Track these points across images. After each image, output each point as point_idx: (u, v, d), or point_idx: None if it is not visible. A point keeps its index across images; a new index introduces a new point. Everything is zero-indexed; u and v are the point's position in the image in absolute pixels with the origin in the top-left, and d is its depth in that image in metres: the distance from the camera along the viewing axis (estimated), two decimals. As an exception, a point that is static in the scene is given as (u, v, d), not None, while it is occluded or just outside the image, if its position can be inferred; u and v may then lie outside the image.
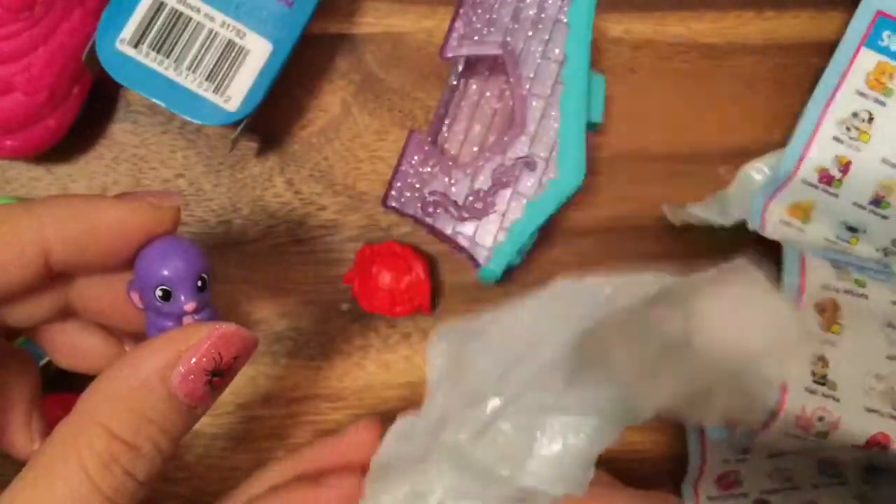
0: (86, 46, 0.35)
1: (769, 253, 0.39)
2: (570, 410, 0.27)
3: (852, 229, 0.39)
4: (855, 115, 0.39)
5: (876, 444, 0.34)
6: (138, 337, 0.29)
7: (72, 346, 0.29)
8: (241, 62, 0.35)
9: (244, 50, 0.35)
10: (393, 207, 0.36)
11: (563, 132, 0.35)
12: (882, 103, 0.39)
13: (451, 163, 0.36)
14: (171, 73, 0.35)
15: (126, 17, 0.34)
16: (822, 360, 0.35)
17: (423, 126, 0.40)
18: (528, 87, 0.36)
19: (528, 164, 0.36)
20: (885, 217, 0.39)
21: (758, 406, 0.34)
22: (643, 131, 0.41)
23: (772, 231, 0.39)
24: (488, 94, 0.38)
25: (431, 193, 0.36)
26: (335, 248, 0.40)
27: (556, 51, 0.36)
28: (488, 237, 0.36)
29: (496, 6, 0.36)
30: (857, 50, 0.40)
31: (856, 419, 0.34)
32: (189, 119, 0.35)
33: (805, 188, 0.40)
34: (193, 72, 0.35)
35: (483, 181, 0.36)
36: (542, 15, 0.36)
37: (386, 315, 0.38)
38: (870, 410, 0.34)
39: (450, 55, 0.36)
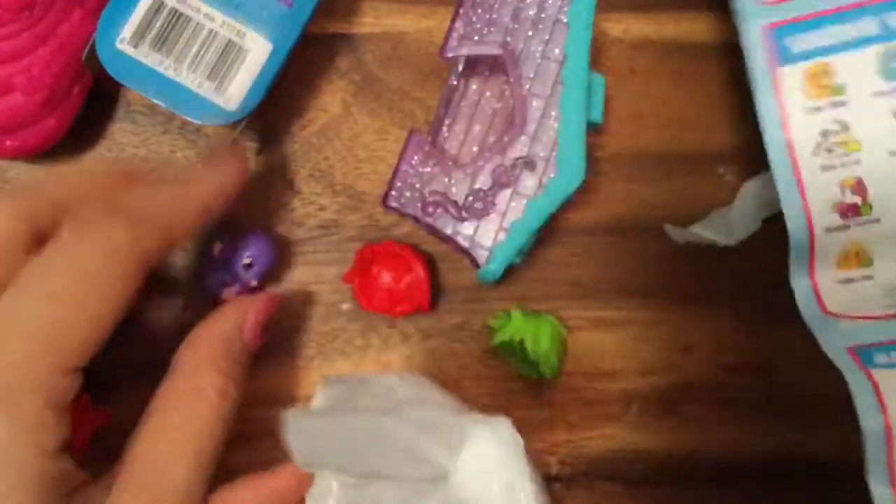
0: (86, 46, 0.35)
1: (770, 253, 0.39)
2: None
3: None
4: (825, 133, 0.35)
5: None
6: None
7: None
8: (241, 62, 0.35)
9: (244, 50, 0.35)
10: (393, 207, 0.36)
11: (563, 132, 0.35)
12: (841, 103, 0.35)
13: (451, 163, 0.36)
14: (171, 73, 0.35)
15: (126, 17, 0.34)
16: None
17: (423, 126, 0.40)
18: (528, 87, 0.36)
19: (528, 164, 0.36)
20: None
21: None
22: (643, 131, 0.41)
23: (838, 303, 0.35)
24: (488, 94, 0.38)
25: (431, 193, 0.36)
26: (335, 248, 0.40)
27: (556, 51, 0.36)
28: (488, 237, 0.36)
29: (496, 6, 0.36)
30: (776, 73, 0.36)
31: None
32: (189, 119, 0.35)
33: (837, 236, 0.35)
34: (193, 72, 0.35)
35: (483, 181, 0.36)
36: (542, 15, 0.36)
37: (386, 315, 0.38)
38: None
39: (450, 55, 0.36)
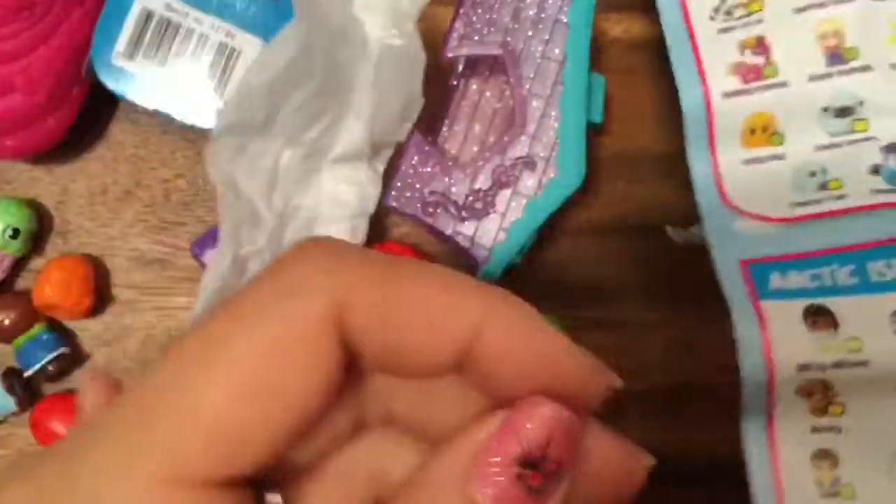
0: (85, 47, 0.35)
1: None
2: None
3: (844, 111, 0.31)
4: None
5: None
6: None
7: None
8: (235, 62, 0.35)
9: (236, 50, 0.35)
10: (393, 207, 0.36)
11: (562, 132, 0.35)
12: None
13: (451, 163, 0.36)
14: (167, 81, 0.35)
15: (117, 31, 0.35)
16: (828, 455, 0.30)
17: (423, 126, 0.40)
18: (528, 87, 0.36)
19: (528, 164, 0.36)
20: (863, 69, 0.30)
21: None
22: (643, 131, 0.41)
23: (740, 192, 0.32)
24: (488, 94, 0.38)
25: (431, 193, 0.36)
26: (335, 248, 0.40)
27: (556, 51, 0.36)
28: (488, 237, 0.36)
29: (496, 6, 0.36)
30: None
31: None
32: (193, 124, 0.35)
33: (738, 103, 0.32)
34: (190, 77, 0.35)
35: (483, 181, 0.36)
36: (542, 15, 0.36)
37: None
38: None
39: (450, 55, 0.36)
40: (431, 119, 0.38)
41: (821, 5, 0.32)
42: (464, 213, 0.36)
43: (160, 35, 0.35)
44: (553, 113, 0.36)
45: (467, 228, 0.36)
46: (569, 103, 0.36)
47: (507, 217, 0.36)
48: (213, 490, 0.15)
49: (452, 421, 0.17)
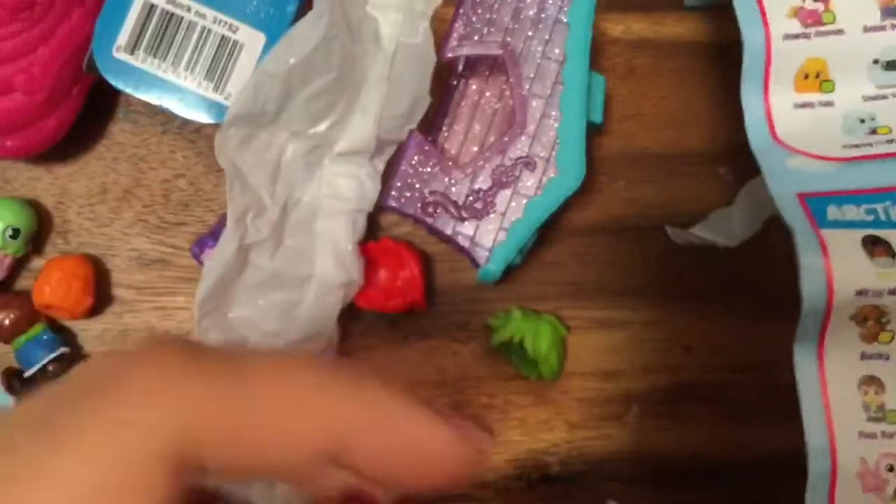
0: (86, 47, 0.35)
1: (770, 253, 0.39)
2: None
3: (893, 64, 0.32)
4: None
5: None
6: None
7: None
8: (237, 56, 0.35)
9: (238, 44, 0.35)
10: (393, 207, 0.36)
11: (562, 132, 0.35)
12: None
13: (451, 163, 0.36)
14: (169, 75, 0.35)
15: (119, 24, 0.34)
16: (875, 382, 0.30)
17: (423, 126, 0.40)
18: (528, 87, 0.36)
19: (528, 164, 0.36)
20: None
21: None
22: (643, 131, 0.41)
23: (792, 132, 0.32)
24: (488, 94, 0.38)
25: (431, 193, 0.36)
26: (335, 248, 0.40)
27: (556, 51, 0.36)
28: (488, 237, 0.36)
29: (496, 6, 0.36)
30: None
31: None
32: (192, 119, 0.35)
33: (796, 47, 0.32)
34: (191, 71, 0.35)
35: (483, 181, 0.36)
36: (542, 15, 0.36)
37: (379, 310, 0.38)
38: None
39: (450, 55, 0.36)
40: (431, 119, 0.38)
41: None
42: (464, 213, 0.36)
43: (162, 29, 0.35)
44: (553, 113, 0.36)
45: (467, 228, 0.36)
46: (569, 103, 0.36)
47: (507, 217, 0.36)
48: None
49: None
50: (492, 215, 0.36)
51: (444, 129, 0.38)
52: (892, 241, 0.32)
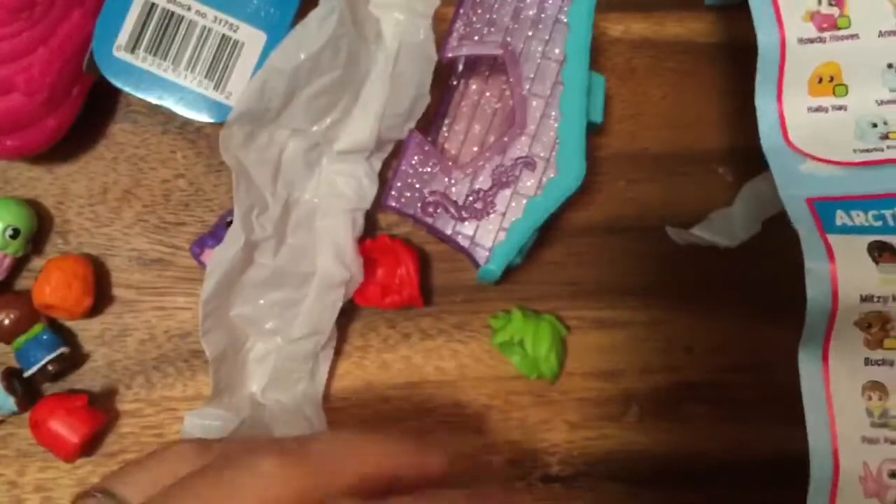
0: (85, 47, 0.35)
1: (770, 253, 0.39)
2: None
3: None
4: None
5: None
6: None
7: None
8: (238, 56, 0.35)
9: (239, 43, 0.35)
10: (393, 207, 0.36)
11: (562, 132, 0.35)
12: None
13: (451, 163, 0.36)
14: (170, 75, 0.35)
15: (119, 23, 0.34)
16: (878, 388, 0.31)
17: (423, 126, 0.40)
18: (528, 87, 0.36)
19: (528, 164, 0.36)
20: None
21: None
22: (643, 131, 0.41)
23: (805, 137, 0.33)
24: (488, 94, 0.38)
25: (431, 193, 0.36)
26: (335, 248, 0.40)
27: (556, 51, 0.36)
28: (488, 237, 0.36)
29: (496, 6, 0.36)
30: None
31: None
32: (193, 118, 0.35)
33: (811, 51, 0.33)
34: (192, 71, 0.35)
35: (483, 181, 0.36)
36: (542, 15, 0.36)
37: (376, 307, 0.38)
38: None
39: (450, 55, 0.36)
40: (431, 119, 0.38)
41: None
42: (464, 213, 0.36)
43: (162, 28, 0.35)
44: (553, 113, 0.36)
45: (467, 228, 0.36)
46: (569, 103, 0.36)
47: (507, 217, 0.36)
48: None
49: None
50: (492, 215, 0.36)
51: (444, 129, 0.38)
52: None
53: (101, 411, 0.37)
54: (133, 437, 0.38)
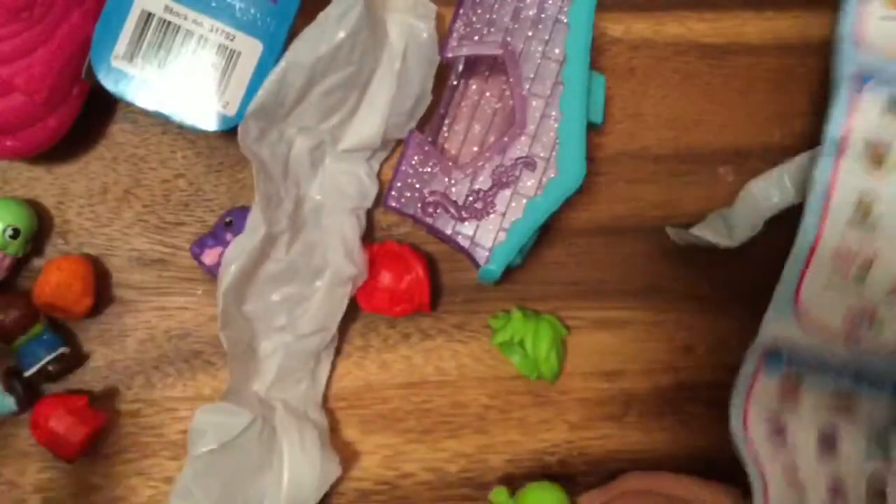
0: (85, 47, 0.35)
1: (770, 253, 0.39)
2: None
3: None
4: None
5: None
6: None
7: None
8: (235, 64, 0.35)
9: (235, 52, 0.35)
10: (393, 207, 0.36)
11: (563, 132, 0.35)
12: None
13: (451, 163, 0.36)
14: (167, 84, 0.35)
15: (117, 32, 0.35)
16: (868, 195, 0.35)
17: (423, 126, 0.40)
18: (528, 87, 0.36)
19: (528, 164, 0.36)
20: None
21: None
22: (643, 131, 0.41)
23: (872, 34, 0.37)
24: (488, 94, 0.38)
25: (431, 193, 0.36)
26: (335, 248, 0.40)
27: (556, 51, 0.36)
28: (488, 237, 0.36)
29: (496, 6, 0.36)
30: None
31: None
32: (192, 127, 0.35)
33: None
34: (190, 79, 0.35)
35: (483, 181, 0.36)
36: (542, 15, 0.36)
37: (386, 315, 0.38)
38: None
39: (450, 55, 0.36)
40: (431, 119, 0.38)
41: None
42: (464, 213, 0.36)
43: (160, 37, 0.35)
44: (553, 113, 0.36)
45: (467, 228, 0.36)
46: (569, 103, 0.36)
47: (507, 217, 0.36)
48: None
49: None
50: (492, 215, 0.36)
51: (444, 129, 0.38)
52: None
53: (101, 411, 0.37)
54: (133, 437, 0.38)
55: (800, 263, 0.36)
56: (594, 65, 0.37)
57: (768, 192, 0.39)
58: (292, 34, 0.35)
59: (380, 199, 0.39)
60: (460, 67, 0.37)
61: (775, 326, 0.37)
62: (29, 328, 0.36)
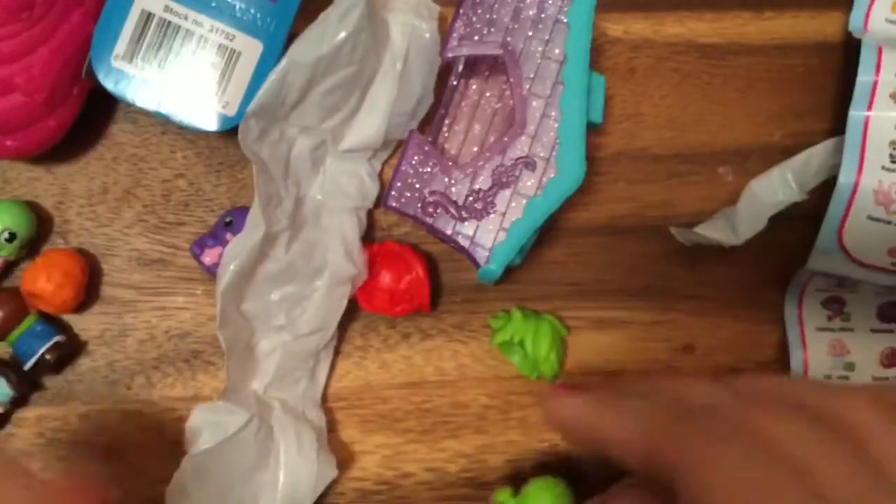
0: (86, 47, 0.35)
1: (771, 252, 0.39)
2: None
3: None
4: None
5: None
6: None
7: None
8: (235, 64, 0.35)
9: (236, 52, 0.35)
10: (393, 207, 0.36)
11: (563, 132, 0.35)
12: None
13: (451, 163, 0.36)
14: (167, 84, 0.35)
15: (117, 32, 0.35)
16: None
17: (423, 126, 0.40)
18: (528, 87, 0.36)
19: (528, 164, 0.36)
20: None
21: None
22: (643, 131, 0.41)
23: (875, 31, 0.39)
24: (488, 94, 0.38)
25: (431, 193, 0.36)
26: (335, 248, 0.40)
27: (556, 51, 0.36)
28: (488, 237, 0.36)
29: (496, 6, 0.36)
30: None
31: None
32: (192, 127, 0.35)
33: None
34: (189, 79, 0.35)
35: (483, 181, 0.36)
36: (542, 15, 0.36)
37: (386, 315, 0.38)
38: None
39: (450, 55, 0.36)
40: (431, 119, 0.38)
41: None
42: (464, 213, 0.36)
43: (159, 37, 0.35)
44: (553, 113, 0.36)
45: (467, 228, 0.36)
46: (569, 103, 0.36)
47: (507, 217, 0.36)
48: None
49: None
50: (492, 215, 0.36)
51: (444, 129, 0.38)
52: None
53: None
54: (133, 437, 0.38)
55: (843, 204, 0.37)
56: (594, 65, 0.37)
57: (772, 189, 0.39)
58: (292, 34, 0.35)
59: (380, 199, 0.39)
60: (460, 67, 0.37)
61: (822, 260, 0.37)
62: (20, 322, 0.36)
